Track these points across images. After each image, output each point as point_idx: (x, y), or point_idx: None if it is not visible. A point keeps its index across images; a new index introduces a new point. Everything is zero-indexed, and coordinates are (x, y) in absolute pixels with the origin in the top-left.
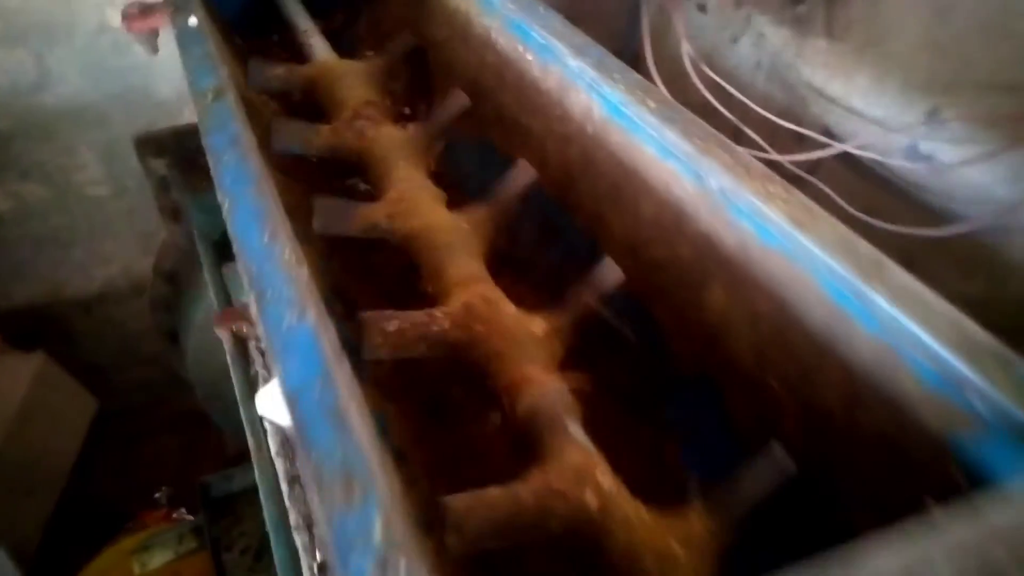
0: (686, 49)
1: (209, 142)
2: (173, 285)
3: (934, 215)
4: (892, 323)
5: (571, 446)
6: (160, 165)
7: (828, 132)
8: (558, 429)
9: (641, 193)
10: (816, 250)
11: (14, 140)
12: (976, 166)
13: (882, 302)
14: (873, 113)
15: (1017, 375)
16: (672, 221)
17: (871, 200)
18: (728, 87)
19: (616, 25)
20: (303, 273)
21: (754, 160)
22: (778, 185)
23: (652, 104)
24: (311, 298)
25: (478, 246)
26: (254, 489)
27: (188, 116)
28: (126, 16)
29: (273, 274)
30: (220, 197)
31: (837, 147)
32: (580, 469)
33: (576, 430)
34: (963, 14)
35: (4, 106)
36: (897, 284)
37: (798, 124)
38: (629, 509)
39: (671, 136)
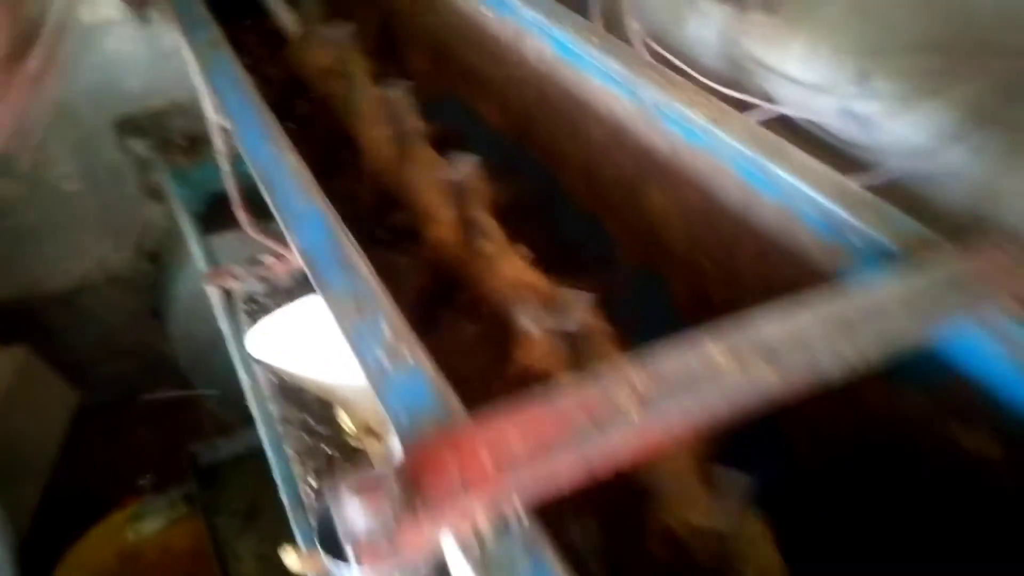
0: (636, 29)
1: (213, 82)
2: (155, 263)
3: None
4: (791, 189)
5: (517, 344)
6: (140, 146)
7: (770, 100)
8: (510, 327)
9: (591, 120)
10: (731, 141)
11: None
12: (902, 120)
13: (783, 174)
14: (809, 78)
15: (881, 213)
16: (616, 140)
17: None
18: (677, 63)
19: (567, 7)
20: (306, 174)
21: (679, 76)
22: (700, 95)
23: (595, 40)
24: (314, 188)
25: (433, 176)
26: (240, 457)
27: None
28: None
29: (282, 176)
30: (228, 122)
31: (774, 110)
32: (527, 367)
33: (522, 319)
34: None
35: None
36: (795, 160)
37: (743, 94)
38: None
39: (612, 64)
